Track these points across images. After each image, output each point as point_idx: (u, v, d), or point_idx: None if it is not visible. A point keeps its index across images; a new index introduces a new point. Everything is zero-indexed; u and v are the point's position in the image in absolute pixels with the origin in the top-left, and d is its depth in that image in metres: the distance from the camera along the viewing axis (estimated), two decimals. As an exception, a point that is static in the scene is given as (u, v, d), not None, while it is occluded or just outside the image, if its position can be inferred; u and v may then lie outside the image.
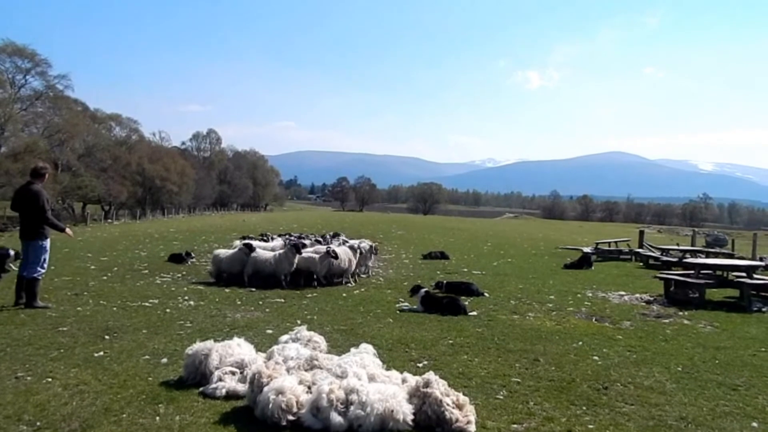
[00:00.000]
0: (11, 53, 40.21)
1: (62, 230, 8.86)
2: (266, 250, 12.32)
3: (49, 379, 5.22)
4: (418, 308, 9.12)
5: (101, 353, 6.11)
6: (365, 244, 13.16)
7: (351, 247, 12.33)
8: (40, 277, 8.56)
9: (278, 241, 14.76)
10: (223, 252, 12.21)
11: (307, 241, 13.97)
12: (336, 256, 11.55)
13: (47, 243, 8.65)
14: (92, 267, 13.66)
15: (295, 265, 11.41)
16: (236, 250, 12.06)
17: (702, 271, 11.71)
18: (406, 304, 9.71)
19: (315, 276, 11.66)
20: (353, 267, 12.21)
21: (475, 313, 9.07)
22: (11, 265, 11.16)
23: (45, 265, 8.64)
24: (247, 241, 12.83)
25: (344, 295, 10.71)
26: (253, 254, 11.62)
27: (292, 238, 15.42)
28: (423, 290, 9.42)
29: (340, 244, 13.40)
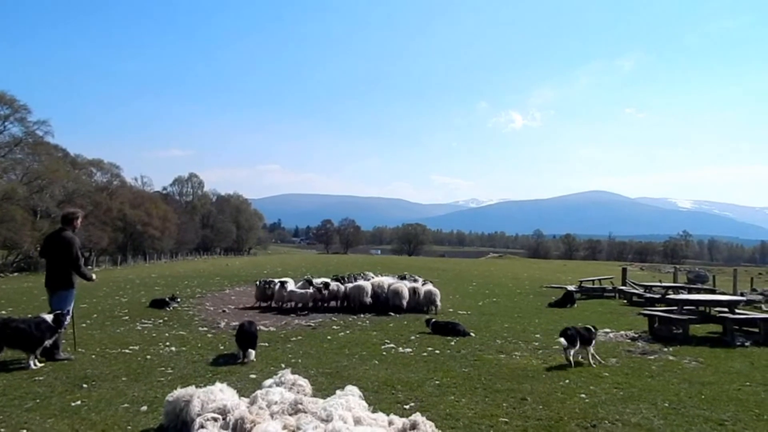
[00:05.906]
0: (-11, 99, 40.13)
1: (90, 279, 8.75)
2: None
3: (24, 431, 5.05)
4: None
5: (79, 402, 5.94)
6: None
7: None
8: (64, 328, 8.20)
9: (390, 279, 16.19)
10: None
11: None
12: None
13: (74, 293, 8.50)
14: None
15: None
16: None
17: (685, 307, 11.84)
18: (392, 344, 9.69)
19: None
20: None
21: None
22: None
23: (68, 317, 8.31)
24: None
25: (329, 337, 10.58)
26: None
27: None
28: (433, 320, 11.64)
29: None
